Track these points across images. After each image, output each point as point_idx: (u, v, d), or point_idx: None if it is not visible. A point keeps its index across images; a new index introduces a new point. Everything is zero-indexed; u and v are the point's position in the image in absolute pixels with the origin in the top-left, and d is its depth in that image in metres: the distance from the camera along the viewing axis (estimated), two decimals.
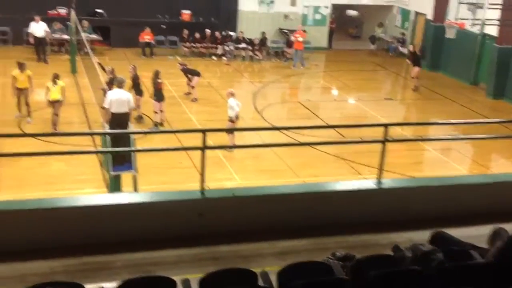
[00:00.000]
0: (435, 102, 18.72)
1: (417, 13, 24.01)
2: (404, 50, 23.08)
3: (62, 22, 21.03)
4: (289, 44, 22.64)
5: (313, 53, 23.43)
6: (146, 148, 11.93)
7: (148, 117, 14.90)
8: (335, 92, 19.75)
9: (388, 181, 6.83)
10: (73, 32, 18.41)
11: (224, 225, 6.07)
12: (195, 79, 16.91)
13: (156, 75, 14.71)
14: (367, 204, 6.58)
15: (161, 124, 14.53)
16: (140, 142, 11.70)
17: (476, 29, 19.93)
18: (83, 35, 18.18)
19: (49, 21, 20.82)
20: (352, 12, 26.05)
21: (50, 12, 21.79)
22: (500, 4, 18.21)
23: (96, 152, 12.40)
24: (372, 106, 17.67)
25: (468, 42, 20.63)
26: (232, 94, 13.49)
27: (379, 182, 6.70)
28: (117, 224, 5.86)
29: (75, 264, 5.45)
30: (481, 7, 17.97)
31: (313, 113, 16.67)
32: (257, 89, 18.89)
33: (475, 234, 5.46)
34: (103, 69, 14.88)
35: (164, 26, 22.66)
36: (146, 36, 21.63)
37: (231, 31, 23.06)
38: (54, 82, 13.59)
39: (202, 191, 6.18)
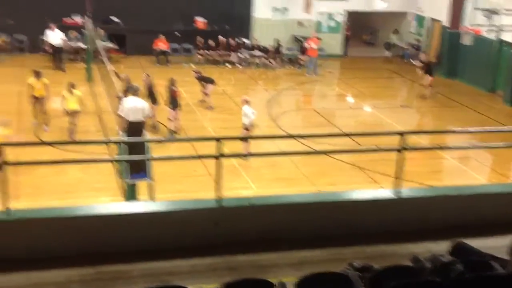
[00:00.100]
0: (452, 110, 18.55)
1: (432, 20, 23.86)
2: (415, 61, 22.33)
3: (77, 30, 21.24)
4: (303, 51, 22.62)
5: (327, 60, 23.37)
6: (161, 156, 11.94)
7: (163, 125, 14.94)
8: (350, 99, 19.67)
9: (406, 190, 6.74)
10: (89, 40, 18.56)
11: (240, 234, 6.03)
12: (210, 86, 16.95)
13: (172, 83, 14.76)
14: (385, 213, 6.50)
15: (176, 132, 14.56)
16: (156, 151, 11.71)
17: (492, 35, 19.75)
18: (100, 43, 18.32)
19: (64, 29, 21.02)
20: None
21: (65, 19, 22.00)
22: None
23: (112, 161, 12.44)
24: (387, 114, 17.55)
25: (484, 48, 20.43)
26: (246, 102, 13.48)
27: (397, 191, 6.62)
28: (133, 233, 5.85)
29: (91, 273, 5.45)
30: (497, 13, 17.80)
31: (328, 120, 16.60)
32: (272, 97, 18.87)
33: (495, 245, 5.36)
34: (118, 77, 14.96)
35: (179, 34, 22.77)
36: (160, 44, 21.75)
37: (245, 38, 23.12)
38: (70, 91, 13.69)
39: (218, 199, 6.15)
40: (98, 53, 18.61)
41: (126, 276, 5.48)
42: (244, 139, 12.60)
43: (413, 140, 13.23)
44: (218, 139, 6.13)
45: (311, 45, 21.78)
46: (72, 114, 13.73)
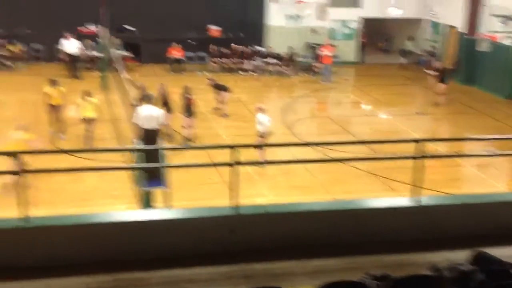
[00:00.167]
0: (469, 117, 18.38)
1: (448, 26, 23.72)
2: (429, 70, 21.84)
3: (92, 39, 21.44)
4: (318, 58, 22.61)
5: (342, 67, 23.32)
6: (176, 164, 11.96)
7: (178, 132, 14.99)
8: (365, 106, 19.58)
9: (425, 198, 6.67)
10: (105, 49, 18.73)
11: (256, 242, 6.01)
12: (225, 94, 16.98)
13: (186, 90, 14.81)
14: (402, 221, 6.43)
15: (191, 140, 14.59)
16: (171, 158, 11.74)
17: (509, 42, 19.57)
18: (114, 52, 18.47)
19: (79, 38, 21.23)
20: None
21: (80, 28, 22.23)
22: None
23: (127, 169, 12.49)
24: (403, 121, 17.44)
25: (501, 55, 20.25)
26: (261, 110, 13.48)
27: (414, 199, 6.55)
28: (150, 240, 5.85)
29: (109, 281, 5.45)
30: None
31: (343, 128, 16.53)
32: (286, 104, 18.86)
33: None
34: (134, 85, 15.04)
35: (193, 42, 22.89)
36: (175, 52, 21.87)
37: (258, 46, 23.17)
38: (84, 99, 13.81)
39: (234, 207, 6.14)
40: (113, 61, 18.80)
41: (144, 284, 5.48)
42: (258, 146, 12.59)
43: (430, 147, 13.20)
44: (232, 147, 6.13)
45: (325, 52, 21.76)
46: (89, 121, 13.84)
